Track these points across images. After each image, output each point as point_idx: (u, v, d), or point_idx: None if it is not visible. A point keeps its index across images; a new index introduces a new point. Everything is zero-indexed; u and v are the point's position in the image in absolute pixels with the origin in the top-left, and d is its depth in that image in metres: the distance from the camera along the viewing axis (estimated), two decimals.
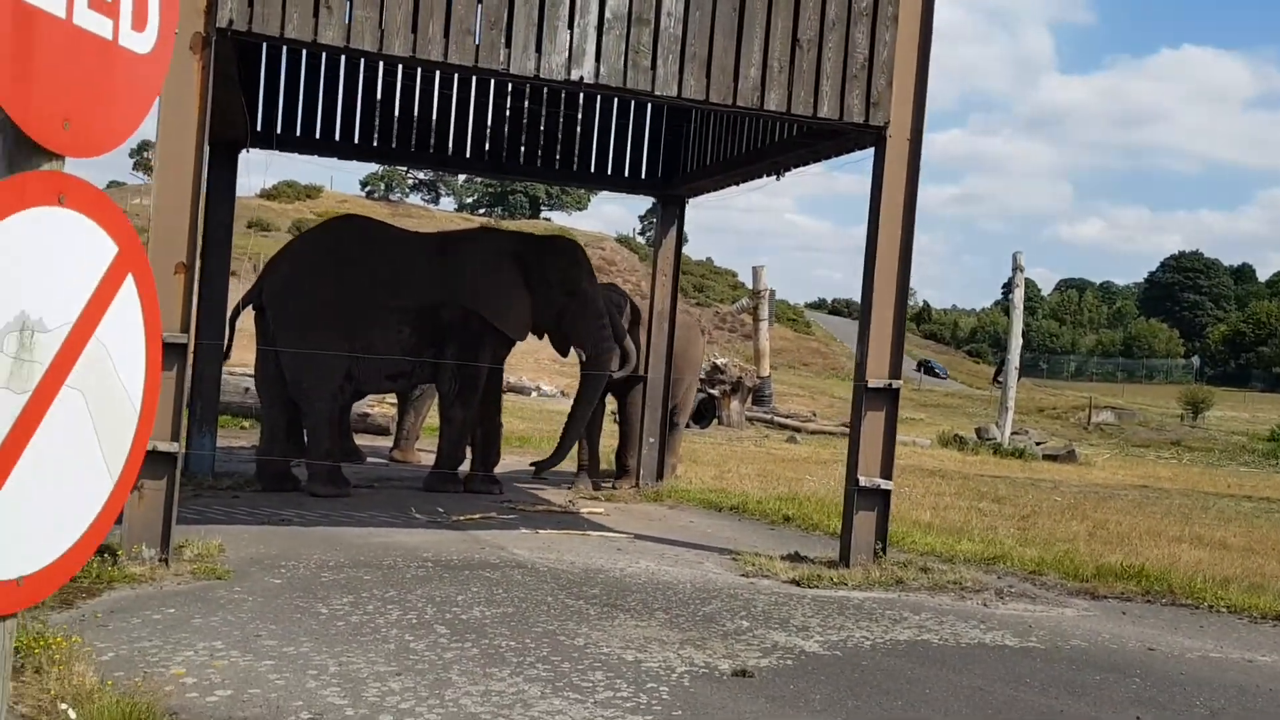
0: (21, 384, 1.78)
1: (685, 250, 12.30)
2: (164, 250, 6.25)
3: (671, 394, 11.66)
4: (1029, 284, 28.71)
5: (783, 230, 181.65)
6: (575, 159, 11.69)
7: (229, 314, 10.23)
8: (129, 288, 1.95)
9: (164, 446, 6.19)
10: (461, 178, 66.21)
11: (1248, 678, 5.58)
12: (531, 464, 11.50)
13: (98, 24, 1.85)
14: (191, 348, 6.66)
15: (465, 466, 10.49)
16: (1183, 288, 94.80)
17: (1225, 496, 15.92)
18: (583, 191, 66.81)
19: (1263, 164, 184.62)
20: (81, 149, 1.87)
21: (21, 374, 1.77)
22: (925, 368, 60.63)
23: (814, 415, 26.23)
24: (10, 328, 1.75)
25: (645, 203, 67.17)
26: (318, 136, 10.85)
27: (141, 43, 1.95)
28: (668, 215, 11.80)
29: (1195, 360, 79.10)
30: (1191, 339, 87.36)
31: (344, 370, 9.66)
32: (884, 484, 7.62)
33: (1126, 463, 22.51)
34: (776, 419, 23.80)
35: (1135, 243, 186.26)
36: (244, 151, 10.53)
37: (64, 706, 3.67)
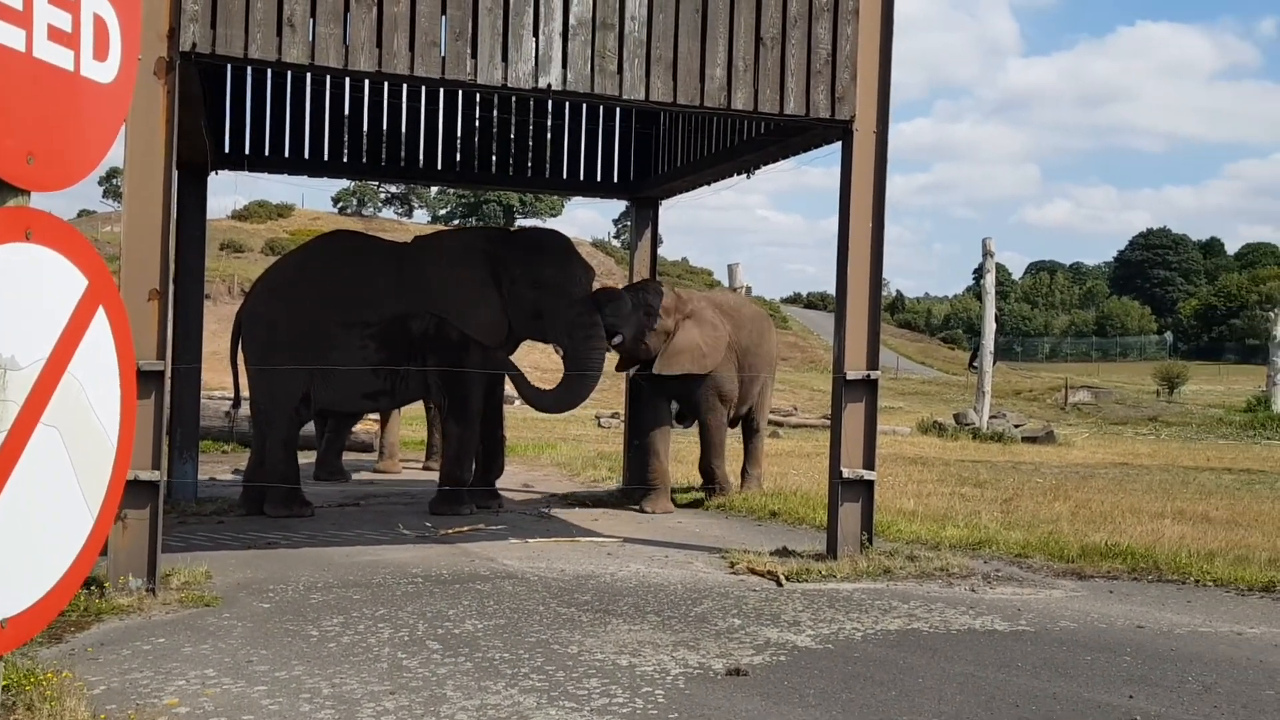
0: None
1: (661, 251, 12.33)
2: (136, 277, 6.21)
3: (743, 395, 10.79)
4: (1000, 268, 29.03)
5: (755, 226, 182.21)
6: (547, 166, 11.70)
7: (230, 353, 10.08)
8: (100, 321, 1.93)
9: (145, 475, 6.14)
10: (434, 190, 66.10)
11: (1238, 650, 5.63)
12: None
13: (58, 55, 1.83)
14: (168, 374, 6.61)
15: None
16: (1152, 264, 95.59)
17: (1205, 470, 16.06)
18: (556, 198, 66.73)
19: (1228, 137, 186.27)
20: (47, 183, 1.85)
21: None
22: None
23: (795, 409, 26.30)
24: None
25: (619, 206, 67.23)
26: (286, 155, 10.81)
27: (104, 72, 1.93)
28: (641, 218, 11.83)
29: (1168, 336, 79.77)
30: (1163, 315, 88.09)
31: (299, 393, 9.44)
32: (867, 475, 7.65)
33: (1105, 441, 22.67)
34: None
35: (1104, 222, 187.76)
36: (212, 173, 10.48)
37: None
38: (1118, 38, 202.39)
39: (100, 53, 1.91)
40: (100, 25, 1.89)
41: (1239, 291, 77.94)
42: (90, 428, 1.95)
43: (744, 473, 11.18)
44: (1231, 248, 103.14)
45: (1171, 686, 4.96)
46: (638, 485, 10.48)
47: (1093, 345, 78.00)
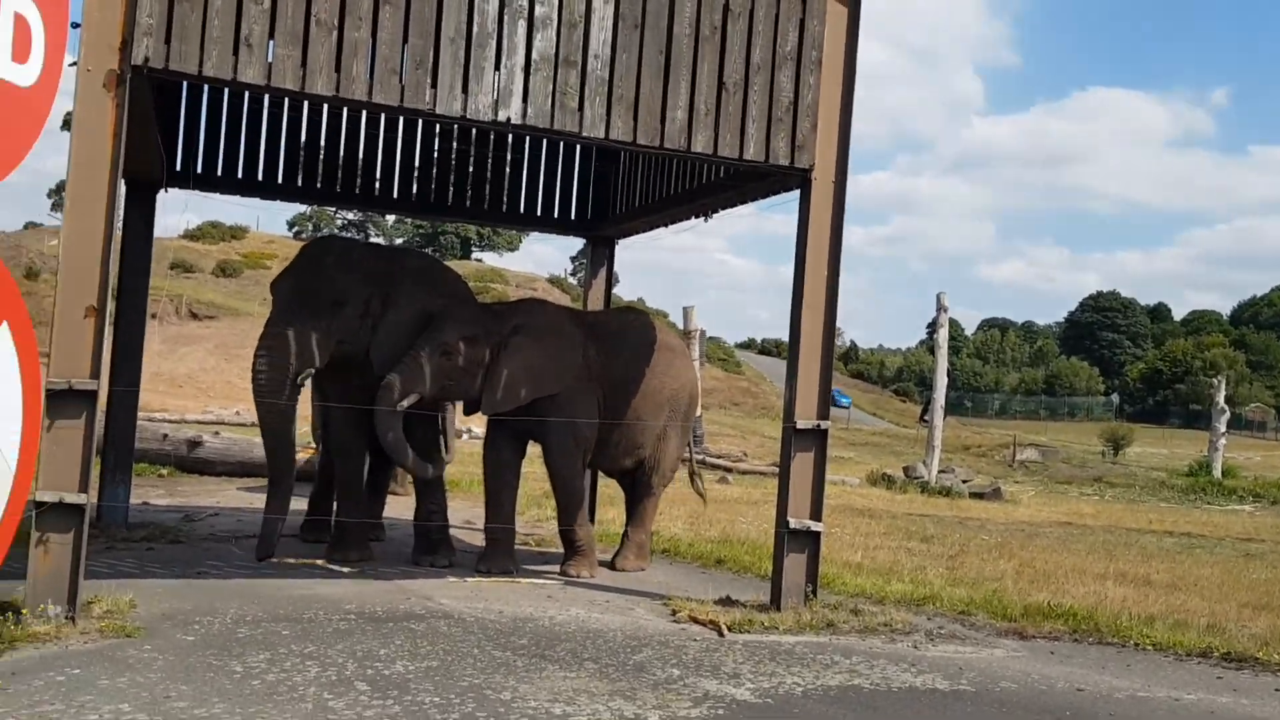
0: None
1: (617, 290, 12.31)
2: (73, 293, 6.01)
3: (630, 442, 9.03)
4: (953, 324, 29.40)
5: (713, 270, 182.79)
6: (505, 200, 11.61)
7: None
8: (3, 338, 1.81)
9: (71, 498, 5.91)
10: (391, 218, 65.83)
11: (1175, 716, 5.61)
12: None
13: None
14: (105, 394, 6.41)
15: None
16: (1101, 326, 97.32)
17: (1147, 532, 16.20)
18: (514, 232, 66.73)
19: (1179, 205, 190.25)
20: None
21: None
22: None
23: (745, 455, 26.27)
24: None
25: (577, 243, 67.41)
26: (241, 176, 10.63)
27: (23, 75, 1.83)
28: (598, 256, 11.79)
29: (1114, 398, 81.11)
30: (1111, 376, 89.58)
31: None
32: (814, 526, 7.59)
33: (1050, 500, 22.86)
34: (708, 459, 23.79)
35: (1055, 282, 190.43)
36: (162, 191, 10.29)
37: None
38: (1073, 101, 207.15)
39: (20, 55, 1.81)
40: (22, 25, 1.80)
41: (1184, 357, 79.50)
42: None
43: (624, 537, 9.44)
44: (1178, 314, 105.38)
45: None
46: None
47: (1041, 403, 79.05)
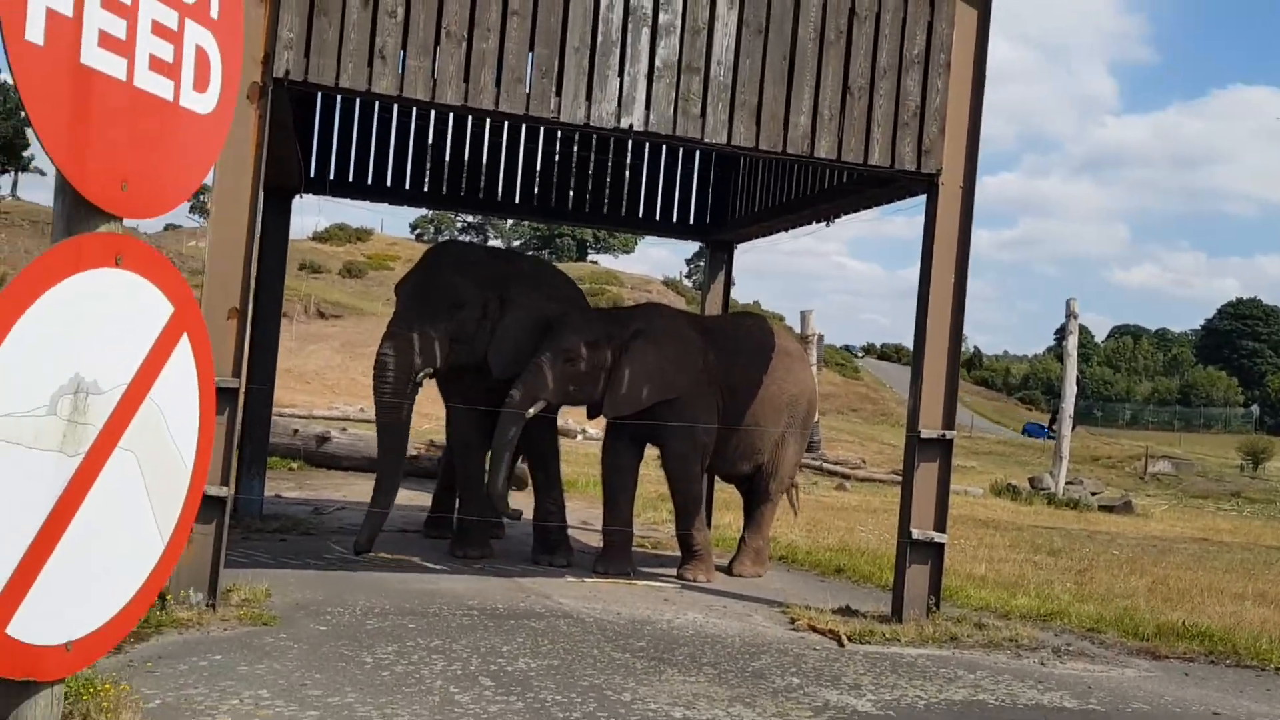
0: (74, 447, 1.77)
1: (733, 293, 12.25)
2: (218, 296, 6.32)
3: (746, 448, 9.01)
4: (1083, 330, 28.40)
5: (831, 273, 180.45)
6: (623, 204, 11.72)
7: None
8: (184, 348, 1.94)
9: (214, 491, 6.20)
10: (509, 221, 66.91)
11: None
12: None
13: (159, 85, 1.85)
14: (243, 392, 6.71)
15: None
16: (1241, 335, 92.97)
17: None
18: (629, 235, 67.16)
19: None
20: (140, 210, 1.87)
21: (74, 437, 1.76)
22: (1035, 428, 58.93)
23: (863, 462, 25.93)
24: (64, 390, 1.74)
25: (692, 246, 67.50)
26: (369, 182, 10.99)
27: (203, 103, 1.95)
28: (716, 260, 11.79)
29: (1254, 409, 77.35)
30: (1250, 387, 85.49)
31: None
32: (937, 537, 7.47)
33: (1185, 515, 21.99)
34: (825, 466, 23.57)
35: (1191, 288, 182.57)
36: (297, 197, 10.70)
37: None
38: (1212, 100, 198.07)
39: (201, 84, 1.93)
40: (202, 57, 1.91)
41: None
42: (167, 453, 1.95)
43: (741, 543, 9.40)
44: None
45: None
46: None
47: (1175, 414, 75.83)
